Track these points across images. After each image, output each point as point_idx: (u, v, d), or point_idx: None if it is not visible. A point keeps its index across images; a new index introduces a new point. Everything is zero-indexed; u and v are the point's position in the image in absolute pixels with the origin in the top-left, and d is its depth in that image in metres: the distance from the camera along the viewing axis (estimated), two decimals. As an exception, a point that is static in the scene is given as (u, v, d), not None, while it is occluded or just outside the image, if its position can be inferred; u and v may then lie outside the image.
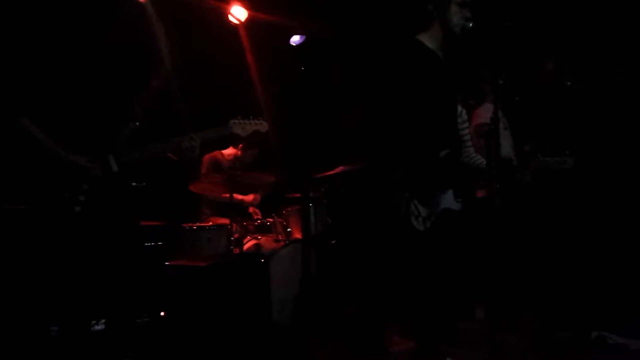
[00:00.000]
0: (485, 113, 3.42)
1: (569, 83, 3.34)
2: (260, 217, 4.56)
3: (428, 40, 2.50)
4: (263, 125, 2.99)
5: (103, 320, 2.82)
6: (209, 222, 4.23)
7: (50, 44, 2.64)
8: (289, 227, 4.22)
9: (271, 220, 4.32)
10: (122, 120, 2.70)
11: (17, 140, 2.58)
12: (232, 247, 3.80)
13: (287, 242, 3.90)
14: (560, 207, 3.64)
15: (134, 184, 2.69)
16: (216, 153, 4.59)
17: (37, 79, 2.60)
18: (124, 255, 2.72)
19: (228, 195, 3.94)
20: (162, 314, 3.43)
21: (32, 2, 2.77)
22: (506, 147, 2.40)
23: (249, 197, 4.61)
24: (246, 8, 4.56)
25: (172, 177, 3.45)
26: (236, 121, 2.91)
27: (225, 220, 4.07)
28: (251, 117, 2.96)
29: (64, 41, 2.64)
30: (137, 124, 2.71)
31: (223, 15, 4.57)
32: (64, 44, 2.64)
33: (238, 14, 4.57)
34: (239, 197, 4.48)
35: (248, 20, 4.63)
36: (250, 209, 4.65)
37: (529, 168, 2.69)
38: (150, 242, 3.70)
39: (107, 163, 2.60)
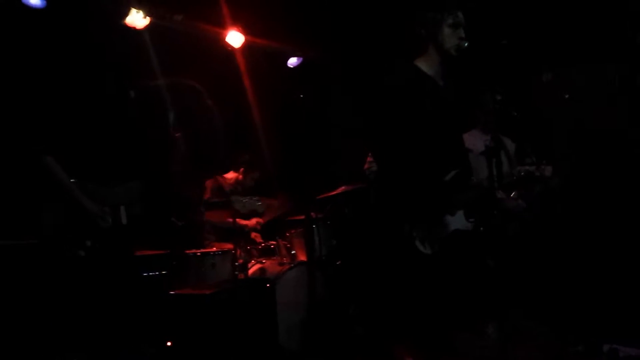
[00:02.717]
0: (470, 139, 3.45)
1: (567, 96, 3.35)
2: (261, 241, 4.55)
3: (425, 64, 2.50)
4: (260, 206, 3.47)
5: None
6: (212, 247, 4.22)
7: (75, 94, 2.75)
8: (293, 250, 4.20)
9: (275, 243, 4.30)
10: (136, 173, 2.79)
11: (34, 177, 2.65)
12: (236, 273, 3.77)
13: (292, 265, 3.88)
14: (566, 220, 3.63)
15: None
16: (218, 178, 4.60)
17: (63, 124, 2.69)
18: (120, 287, 2.77)
19: (231, 220, 3.93)
20: (168, 344, 3.39)
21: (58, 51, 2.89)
22: (483, 170, 2.40)
23: (252, 222, 4.61)
24: (243, 34, 4.61)
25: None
26: (238, 198, 3.48)
27: (229, 245, 4.06)
28: (252, 197, 3.53)
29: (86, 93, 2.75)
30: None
31: (219, 41, 4.61)
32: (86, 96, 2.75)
33: (234, 40, 4.62)
34: (242, 222, 4.48)
35: (245, 45, 4.67)
36: (252, 235, 4.63)
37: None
38: (154, 272, 3.68)
39: (117, 214, 2.68)
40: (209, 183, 4.51)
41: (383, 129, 2.41)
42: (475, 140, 3.44)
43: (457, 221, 2.41)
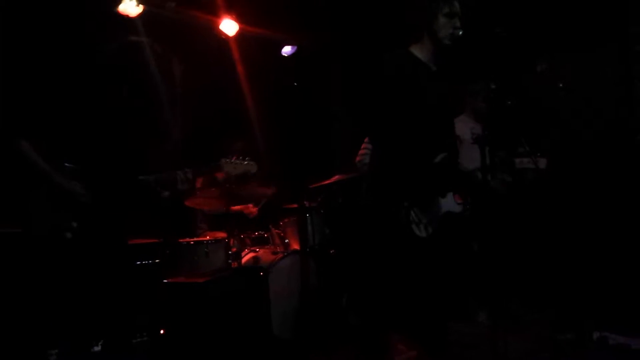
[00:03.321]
0: (458, 125, 3.47)
1: (562, 85, 3.37)
2: (254, 213, 4.52)
3: (419, 52, 2.51)
4: (252, 166, 3.27)
5: (101, 342, 2.83)
6: (206, 236, 4.21)
7: (53, 73, 2.71)
8: (287, 239, 4.20)
9: (268, 232, 4.30)
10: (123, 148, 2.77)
11: (13, 162, 2.62)
12: (230, 261, 3.78)
13: (286, 253, 3.89)
14: (557, 208, 3.66)
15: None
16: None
17: (39, 106, 2.66)
18: (113, 276, 2.76)
19: (224, 207, 3.92)
20: (161, 332, 3.40)
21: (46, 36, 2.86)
22: (476, 160, 2.43)
23: (246, 209, 4.60)
24: (237, 22, 4.58)
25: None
26: (227, 160, 3.20)
27: (223, 234, 4.05)
28: (243, 158, 3.23)
29: (64, 70, 2.71)
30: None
31: (214, 29, 4.58)
32: (64, 73, 2.71)
33: (228, 28, 4.58)
34: (236, 208, 4.47)
35: (239, 33, 4.64)
36: (246, 211, 4.60)
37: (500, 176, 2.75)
38: (147, 260, 3.68)
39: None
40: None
41: (377, 110, 2.42)
42: (461, 127, 3.46)
43: (448, 204, 2.44)
